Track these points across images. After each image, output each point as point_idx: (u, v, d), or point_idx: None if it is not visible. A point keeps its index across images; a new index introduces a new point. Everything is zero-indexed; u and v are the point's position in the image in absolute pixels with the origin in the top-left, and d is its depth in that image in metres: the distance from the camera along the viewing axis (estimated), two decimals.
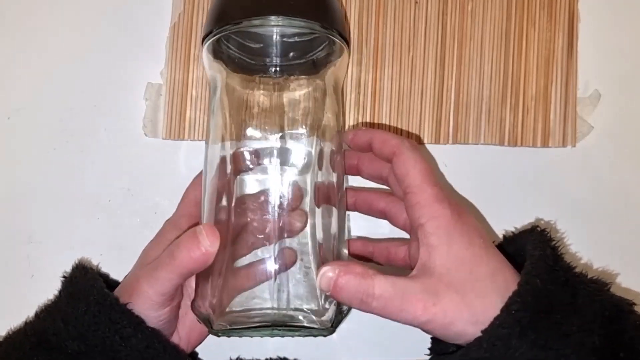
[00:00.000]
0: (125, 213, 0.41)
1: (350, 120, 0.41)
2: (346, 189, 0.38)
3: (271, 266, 0.35)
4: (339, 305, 0.33)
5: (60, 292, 0.34)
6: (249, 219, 0.35)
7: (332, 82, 0.36)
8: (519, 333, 0.28)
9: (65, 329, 0.31)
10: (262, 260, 0.35)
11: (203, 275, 0.33)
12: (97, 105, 0.41)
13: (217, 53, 0.35)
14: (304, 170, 0.36)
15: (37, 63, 0.42)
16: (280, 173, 0.36)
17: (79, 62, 0.41)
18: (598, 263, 0.41)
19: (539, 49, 0.42)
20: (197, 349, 0.38)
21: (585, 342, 0.28)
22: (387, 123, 0.41)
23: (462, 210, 0.32)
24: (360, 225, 0.41)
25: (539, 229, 0.33)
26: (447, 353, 0.31)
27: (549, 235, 0.33)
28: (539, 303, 0.28)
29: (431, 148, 0.41)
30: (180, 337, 0.35)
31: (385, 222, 0.38)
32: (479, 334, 0.28)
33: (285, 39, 0.35)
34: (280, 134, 0.36)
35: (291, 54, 0.36)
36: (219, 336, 0.33)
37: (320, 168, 0.36)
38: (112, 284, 0.34)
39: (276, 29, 0.34)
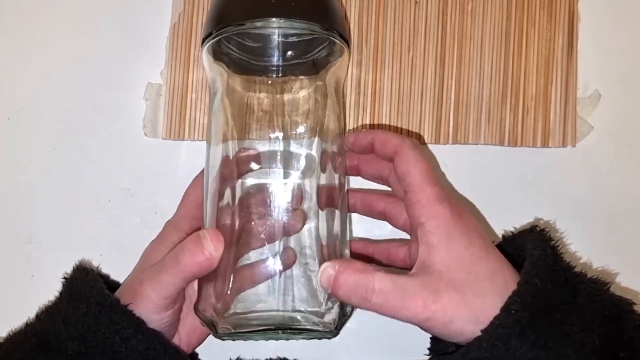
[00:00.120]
0: (125, 213, 0.41)
1: (350, 121, 0.41)
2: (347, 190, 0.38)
3: (276, 269, 0.35)
4: (342, 307, 0.33)
5: (60, 293, 0.34)
6: (252, 222, 0.35)
7: (333, 82, 0.36)
8: (518, 333, 0.28)
9: (66, 329, 0.31)
10: (266, 263, 0.35)
11: (206, 278, 0.33)
12: (97, 105, 0.41)
13: (218, 54, 0.35)
14: (307, 172, 0.36)
15: (37, 63, 0.42)
16: (282, 175, 0.36)
17: (79, 62, 0.41)
18: (597, 263, 0.41)
19: (539, 49, 0.42)
20: (197, 349, 0.38)
21: (585, 342, 0.28)
22: (387, 123, 0.41)
23: (462, 210, 0.32)
24: (364, 227, 0.41)
25: (538, 228, 0.33)
26: (446, 353, 0.31)
27: (548, 235, 0.33)
28: (538, 303, 0.28)
29: (431, 148, 0.41)
30: (181, 339, 0.35)
31: (384, 223, 0.38)
32: (478, 332, 0.28)
33: (285, 40, 0.35)
34: (282, 136, 0.36)
35: (291, 54, 0.36)
36: (223, 340, 0.33)
37: (323, 170, 0.36)
38: (113, 285, 0.34)
39: (277, 30, 0.34)
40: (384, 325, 0.40)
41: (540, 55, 0.41)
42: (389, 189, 0.37)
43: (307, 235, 0.36)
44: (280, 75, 0.36)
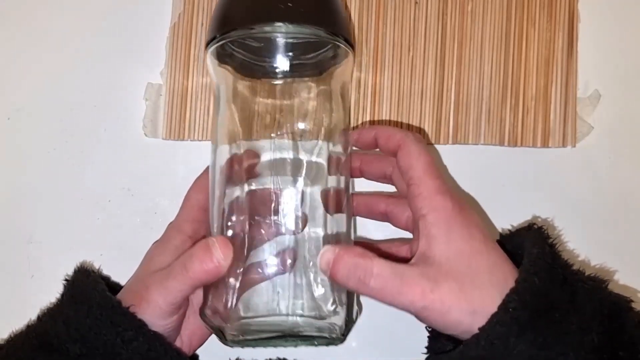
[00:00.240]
0: (125, 213, 0.41)
1: (350, 121, 0.41)
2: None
3: (283, 276, 0.35)
4: (348, 313, 0.34)
5: (62, 295, 0.34)
6: (260, 229, 0.35)
7: (338, 85, 0.36)
8: (517, 332, 0.28)
9: (67, 331, 0.31)
10: (274, 270, 0.35)
11: (213, 283, 0.33)
12: (97, 105, 0.41)
13: (222, 57, 0.35)
14: (315, 179, 0.36)
15: (37, 63, 0.42)
16: (291, 183, 0.36)
17: (79, 62, 0.41)
18: (596, 262, 0.41)
19: (539, 49, 0.42)
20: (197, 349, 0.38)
21: (585, 341, 0.28)
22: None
23: (464, 204, 0.32)
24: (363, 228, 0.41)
25: (536, 226, 0.33)
26: (444, 352, 0.31)
27: (546, 232, 0.33)
28: (537, 301, 0.28)
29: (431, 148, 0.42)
30: (183, 341, 0.35)
31: (383, 225, 0.38)
32: (475, 325, 0.28)
33: (290, 42, 0.35)
34: (290, 143, 0.36)
35: (296, 56, 0.36)
36: (231, 347, 0.33)
37: (330, 173, 0.36)
38: (114, 287, 0.34)
39: (284, 34, 0.34)
40: (384, 325, 0.40)
41: (540, 55, 0.41)
42: (392, 189, 0.37)
43: (315, 242, 0.36)
44: (285, 76, 0.36)
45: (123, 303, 0.31)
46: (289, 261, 0.35)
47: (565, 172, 0.42)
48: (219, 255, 0.31)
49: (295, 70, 0.36)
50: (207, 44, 0.34)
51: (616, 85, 0.43)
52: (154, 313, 0.31)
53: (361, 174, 0.38)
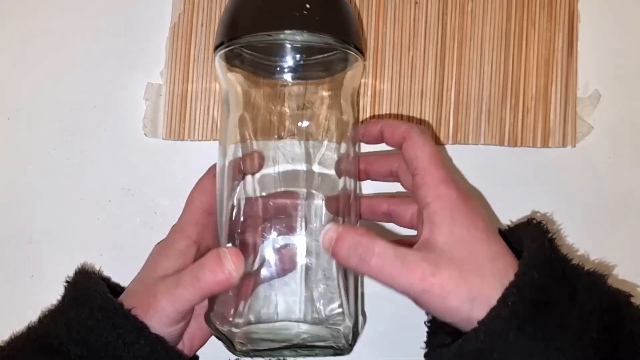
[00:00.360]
0: (125, 213, 0.41)
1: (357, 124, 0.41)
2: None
3: (293, 285, 0.35)
4: (355, 322, 0.34)
5: (63, 296, 0.34)
6: (270, 237, 0.35)
7: (348, 90, 0.37)
8: (516, 326, 0.28)
9: (68, 333, 0.31)
10: (284, 280, 0.35)
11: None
12: (97, 105, 0.41)
13: (230, 59, 0.35)
14: (324, 182, 0.36)
15: (37, 63, 0.42)
16: (300, 186, 0.36)
17: (79, 62, 0.41)
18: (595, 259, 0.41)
19: (539, 49, 0.41)
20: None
21: (584, 335, 0.28)
22: None
23: (468, 194, 0.32)
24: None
25: (535, 221, 0.33)
26: (443, 345, 0.31)
27: (545, 227, 0.33)
28: (536, 295, 0.28)
29: None
30: (184, 343, 0.35)
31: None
32: (474, 313, 0.28)
33: (302, 47, 0.35)
34: (298, 143, 0.36)
35: (306, 59, 0.35)
36: (239, 357, 0.33)
37: (338, 177, 0.36)
38: (114, 288, 0.34)
39: (299, 42, 0.34)
40: (384, 325, 0.40)
41: (540, 55, 0.41)
42: (394, 190, 0.37)
43: (329, 258, 0.35)
44: (294, 79, 0.36)
45: (125, 305, 0.31)
46: (297, 269, 0.35)
47: (565, 172, 0.42)
48: (230, 267, 0.31)
49: (305, 71, 0.36)
50: (217, 47, 0.34)
51: (616, 85, 0.43)
52: (161, 320, 0.31)
53: (367, 176, 0.38)
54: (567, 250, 0.33)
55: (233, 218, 0.35)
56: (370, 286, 0.39)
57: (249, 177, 0.36)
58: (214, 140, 0.40)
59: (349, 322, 0.34)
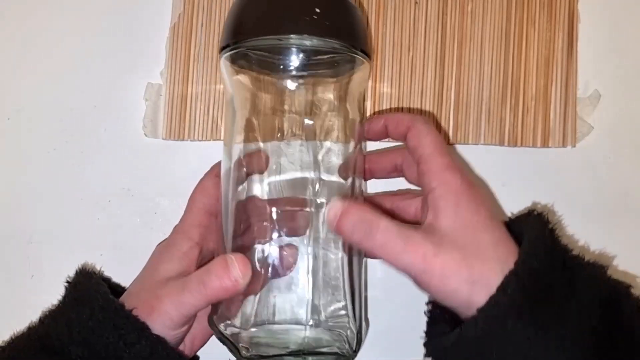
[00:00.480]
0: (125, 213, 0.41)
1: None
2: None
3: (299, 290, 0.35)
4: (359, 328, 0.34)
5: (64, 297, 0.34)
6: (280, 246, 0.35)
7: (355, 91, 0.36)
8: (515, 314, 0.28)
9: (69, 334, 0.31)
10: (291, 285, 0.35)
11: None
12: (97, 105, 0.41)
13: (235, 59, 0.35)
14: (330, 185, 0.36)
15: (37, 63, 0.42)
16: (306, 189, 0.36)
17: (79, 63, 0.41)
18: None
19: (539, 49, 0.41)
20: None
21: (583, 325, 0.28)
22: None
23: (473, 181, 0.32)
24: None
25: (536, 212, 0.33)
26: (442, 334, 0.31)
27: (546, 217, 0.33)
28: (535, 284, 0.28)
29: None
30: (185, 344, 0.35)
31: None
32: (474, 297, 0.28)
33: (311, 50, 0.35)
34: (304, 145, 0.36)
35: (312, 59, 0.35)
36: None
37: (344, 178, 0.36)
38: (114, 288, 0.34)
39: (308, 46, 0.34)
40: (384, 325, 0.40)
41: (540, 55, 0.41)
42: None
43: (334, 263, 0.36)
44: (299, 79, 0.36)
45: (127, 306, 0.31)
46: (303, 274, 0.35)
47: (565, 172, 0.42)
48: (237, 274, 0.31)
49: (312, 70, 0.36)
50: (223, 49, 0.34)
51: (616, 85, 0.43)
52: (164, 323, 0.31)
53: (372, 175, 0.38)
54: (568, 241, 0.33)
55: (238, 220, 0.35)
56: (370, 288, 0.39)
57: (255, 180, 0.36)
58: (214, 140, 0.40)
59: (353, 329, 0.34)
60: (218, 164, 0.37)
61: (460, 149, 0.41)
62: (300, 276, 0.35)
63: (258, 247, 0.35)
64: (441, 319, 0.32)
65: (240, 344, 0.33)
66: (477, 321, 0.28)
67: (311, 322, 0.35)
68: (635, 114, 0.43)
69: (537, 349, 0.28)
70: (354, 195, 0.36)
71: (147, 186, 0.41)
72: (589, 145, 0.42)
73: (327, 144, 0.37)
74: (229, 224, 0.34)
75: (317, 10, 0.32)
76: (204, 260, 0.35)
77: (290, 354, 0.33)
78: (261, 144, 0.36)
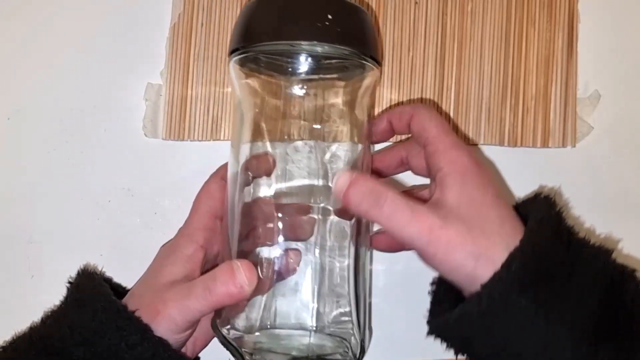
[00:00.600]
0: (125, 213, 0.41)
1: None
2: None
3: (303, 295, 0.35)
4: (362, 335, 0.34)
5: (66, 298, 0.34)
6: (288, 252, 0.35)
7: (364, 97, 0.36)
8: (518, 290, 0.28)
9: (71, 335, 0.31)
10: (295, 291, 0.35)
11: None
12: (97, 105, 0.41)
13: (244, 62, 0.35)
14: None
15: (37, 63, 0.41)
16: (315, 193, 0.36)
17: (78, 63, 0.41)
18: None
19: (539, 49, 0.41)
20: None
21: (585, 303, 0.28)
22: None
23: (480, 161, 0.32)
24: None
25: (542, 195, 0.33)
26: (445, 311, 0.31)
27: (553, 199, 0.33)
28: (540, 262, 0.29)
29: None
30: (187, 347, 0.35)
31: None
32: (478, 271, 0.28)
33: (320, 56, 0.35)
34: (313, 149, 0.36)
35: (321, 63, 0.35)
36: None
37: None
38: (116, 289, 0.34)
39: (319, 52, 0.33)
40: (384, 325, 0.40)
41: (540, 55, 0.41)
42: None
43: (340, 269, 0.36)
44: (308, 83, 0.36)
45: (130, 308, 0.31)
46: (308, 280, 0.35)
47: (565, 172, 0.42)
48: (242, 280, 0.31)
49: (321, 74, 0.36)
50: (232, 52, 0.33)
51: (616, 85, 0.43)
52: (169, 328, 0.31)
53: (379, 175, 0.38)
54: (574, 223, 0.33)
55: (244, 224, 0.35)
56: (372, 296, 0.39)
57: (261, 183, 0.36)
58: (214, 140, 0.40)
59: (357, 336, 0.34)
60: (223, 167, 0.37)
61: None
62: (306, 282, 0.35)
63: (263, 250, 0.35)
64: (444, 298, 0.32)
65: (244, 349, 0.32)
66: (480, 297, 0.28)
67: (315, 328, 0.35)
68: (635, 114, 0.43)
69: (539, 327, 0.28)
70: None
71: (147, 186, 0.41)
72: (589, 145, 0.42)
73: (335, 149, 0.37)
74: (234, 227, 0.34)
75: (329, 16, 0.32)
76: (208, 264, 0.35)
77: (294, 359, 0.33)
78: (269, 147, 0.36)
